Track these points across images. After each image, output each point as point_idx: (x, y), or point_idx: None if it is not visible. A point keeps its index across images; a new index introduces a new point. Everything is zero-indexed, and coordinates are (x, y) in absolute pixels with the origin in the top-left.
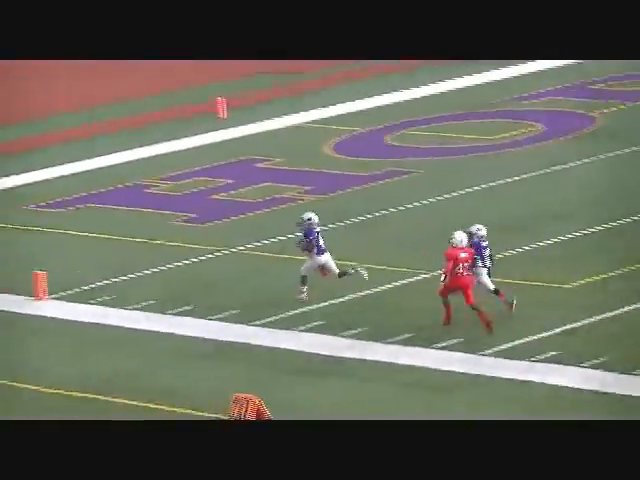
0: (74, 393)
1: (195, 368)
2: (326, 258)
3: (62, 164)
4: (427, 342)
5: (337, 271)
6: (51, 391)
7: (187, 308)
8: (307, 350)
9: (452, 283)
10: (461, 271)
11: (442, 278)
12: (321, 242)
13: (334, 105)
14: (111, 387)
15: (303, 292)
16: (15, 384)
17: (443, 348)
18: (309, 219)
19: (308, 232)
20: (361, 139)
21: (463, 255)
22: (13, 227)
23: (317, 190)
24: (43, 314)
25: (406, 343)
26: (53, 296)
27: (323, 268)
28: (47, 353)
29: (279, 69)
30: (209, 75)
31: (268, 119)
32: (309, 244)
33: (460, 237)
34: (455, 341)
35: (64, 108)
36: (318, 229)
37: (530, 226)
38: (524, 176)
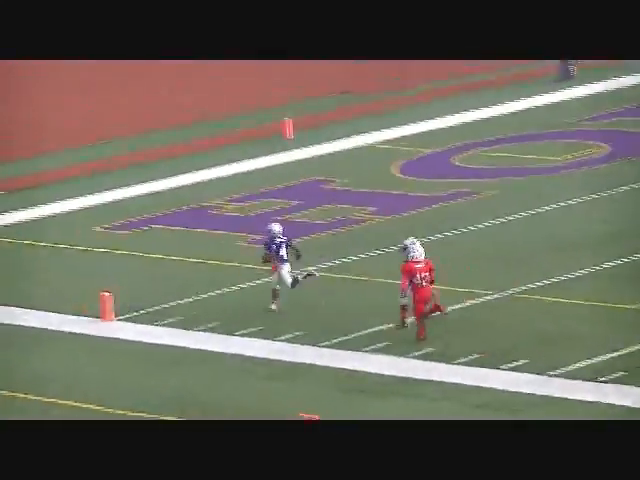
0: (141, 414)
1: (262, 389)
2: (286, 268)
3: (129, 185)
4: (495, 363)
5: (289, 281)
6: (120, 412)
7: (254, 329)
8: (374, 371)
9: (416, 295)
10: (420, 282)
11: (401, 295)
12: (282, 252)
13: (400, 126)
14: (176, 407)
15: (273, 303)
16: (81, 404)
17: (511, 369)
18: (269, 230)
19: (267, 244)
20: (428, 160)
21: (418, 266)
22: (81, 248)
23: (383, 211)
24: (110, 335)
25: (474, 364)
26: (120, 317)
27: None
28: (114, 374)
29: (344, 90)
30: (275, 96)
31: (334, 140)
32: (267, 255)
33: (419, 250)
34: (522, 362)
35: (132, 130)
36: (280, 240)
37: (596, 246)
38: (590, 196)
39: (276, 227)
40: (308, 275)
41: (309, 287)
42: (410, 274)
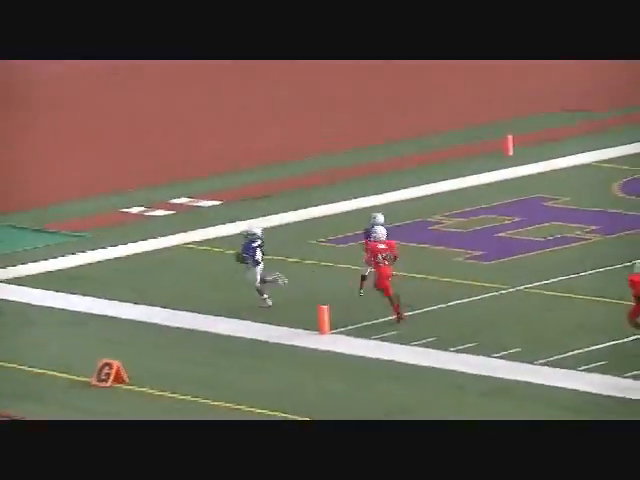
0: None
1: (473, 405)
2: (259, 270)
3: (348, 199)
4: None
5: (258, 283)
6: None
7: (470, 345)
8: (587, 390)
9: (377, 272)
10: (382, 261)
11: (366, 272)
12: (258, 255)
13: (623, 145)
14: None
15: (265, 299)
16: (288, 415)
17: None
18: (253, 234)
19: (246, 246)
20: None
21: (381, 247)
22: (293, 260)
23: (603, 230)
24: (326, 348)
25: None
26: (336, 330)
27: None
28: (329, 387)
29: (568, 107)
30: (497, 113)
31: (555, 157)
32: (244, 257)
33: (381, 232)
34: None
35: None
36: (258, 243)
37: None
38: None
39: (258, 230)
40: (275, 279)
41: (526, 304)
42: (373, 253)
